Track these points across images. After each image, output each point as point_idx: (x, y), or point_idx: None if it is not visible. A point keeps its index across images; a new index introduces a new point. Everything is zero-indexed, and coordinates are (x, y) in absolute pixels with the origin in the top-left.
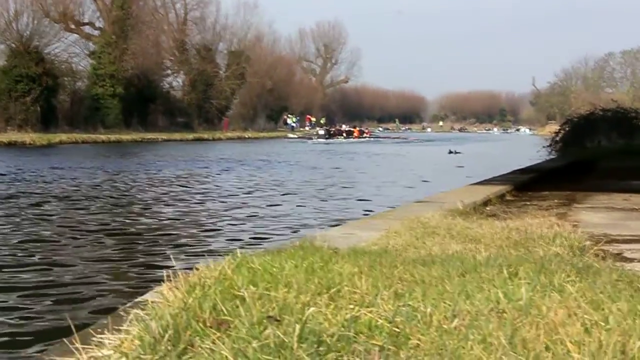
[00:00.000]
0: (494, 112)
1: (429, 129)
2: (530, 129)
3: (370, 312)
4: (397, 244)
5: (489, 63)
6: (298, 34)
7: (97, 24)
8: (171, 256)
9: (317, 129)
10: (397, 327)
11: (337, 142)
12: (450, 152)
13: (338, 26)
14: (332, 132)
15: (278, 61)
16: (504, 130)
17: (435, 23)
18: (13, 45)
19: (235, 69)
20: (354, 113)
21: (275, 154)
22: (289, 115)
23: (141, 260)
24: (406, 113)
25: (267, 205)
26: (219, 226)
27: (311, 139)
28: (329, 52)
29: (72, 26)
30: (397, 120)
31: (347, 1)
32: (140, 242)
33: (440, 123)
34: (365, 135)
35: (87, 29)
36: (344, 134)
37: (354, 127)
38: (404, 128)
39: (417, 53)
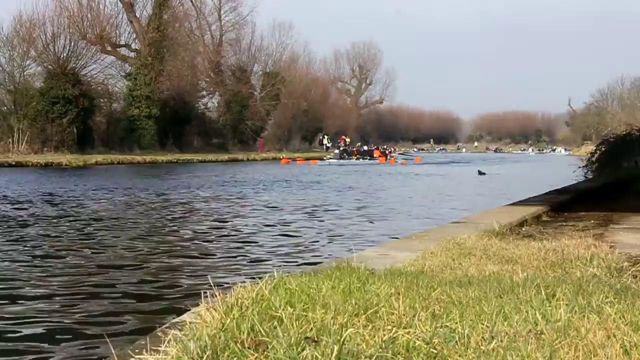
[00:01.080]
0: (529, 133)
1: (464, 150)
2: (566, 149)
3: (408, 333)
4: (433, 265)
5: (525, 83)
6: (333, 54)
7: (134, 46)
8: (209, 277)
9: (336, 150)
10: (435, 349)
11: (350, 164)
12: (480, 173)
13: (373, 47)
14: (348, 152)
15: (313, 82)
16: (539, 150)
17: (471, 42)
18: (50, 67)
19: (270, 90)
20: (389, 134)
21: (310, 174)
22: (324, 136)
23: (178, 280)
24: (441, 133)
25: (304, 225)
26: (256, 247)
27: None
28: (364, 72)
29: (109, 48)
30: (431, 140)
31: (382, 22)
32: (176, 262)
33: (476, 144)
34: (389, 155)
35: (123, 50)
36: (364, 155)
37: (376, 148)
38: (438, 148)
39: (453, 73)
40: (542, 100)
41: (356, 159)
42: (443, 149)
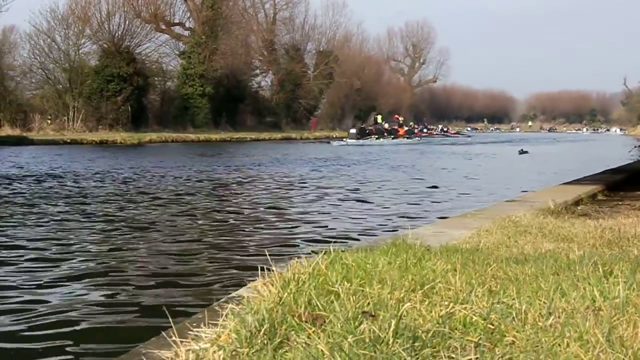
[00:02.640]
0: (584, 112)
1: (517, 129)
2: (621, 129)
3: (465, 308)
4: (488, 242)
5: (579, 63)
6: (386, 33)
7: (187, 24)
8: (266, 252)
9: (352, 129)
10: (492, 324)
11: (370, 144)
12: (522, 152)
13: (427, 26)
14: (367, 131)
15: (366, 61)
16: (593, 130)
17: (525, 21)
18: (105, 45)
19: (323, 68)
20: (443, 113)
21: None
22: (377, 115)
23: (234, 256)
24: (495, 113)
25: (357, 202)
26: (311, 223)
27: (342, 139)
28: (418, 51)
29: (163, 26)
30: (485, 120)
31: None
32: (232, 238)
33: (530, 123)
34: (416, 136)
35: (177, 29)
36: (383, 134)
37: (400, 126)
38: (492, 128)
39: (507, 52)
40: (597, 80)
41: (376, 139)
42: (497, 129)
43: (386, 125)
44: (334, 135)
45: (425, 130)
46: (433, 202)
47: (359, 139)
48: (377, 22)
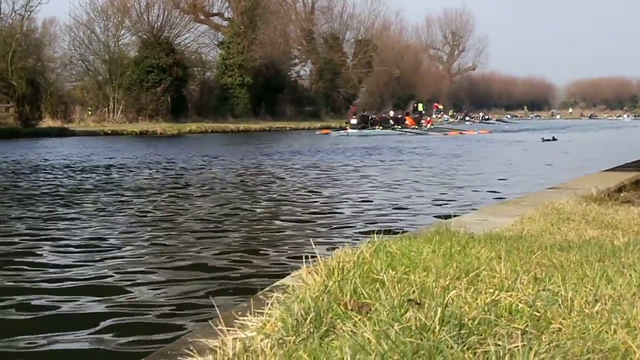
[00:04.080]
0: (624, 99)
1: (557, 116)
2: None
3: (510, 296)
4: (532, 230)
5: (620, 48)
6: (425, 21)
7: (226, 15)
8: (311, 241)
9: (352, 119)
10: (538, 311)
11: (373, 134)
12: (545, 139)
13: (465, 13)
14: (371, 119)
15: (405, 49)
16: (635, 116)
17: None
18: (144, 36)
19: (362, 57)
20: (482, 101)
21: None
22: (418, 103)
23: (277, 245)
24: (534, 100)
25: (398, 191)
26: (353, 211)
27: (344, 129)
28: (456, 39)
29: (202, 17)
30: (525, 107)
31: None
32: (275, 227)
33: (570, 110)
34: (425, 125)
35: (216, 19)
36: (389, 123)
37: (407, 114)
38: (532, 115)
39: (546, 39)
40: (638, 66)
41: (381, 129)
42: (537, 116)
43: (392, 113)
44: (339, 126)
45: (467, 118)
46: (474, 190)
47: (361, 128)
48: (416, 10)
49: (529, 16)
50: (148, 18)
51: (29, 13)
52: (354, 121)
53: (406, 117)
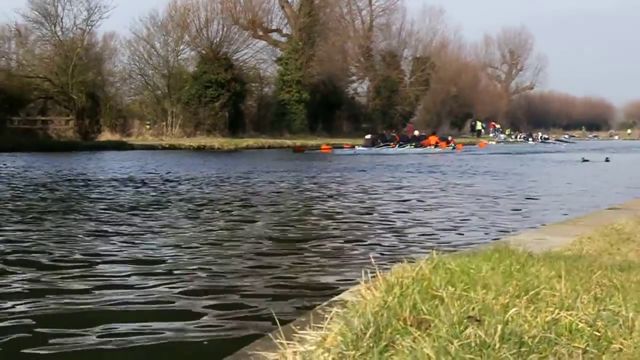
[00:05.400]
0: None
1: (616, 137)
2: None
3: (571, 315)
4: (591, 250)
5: None
6: (483, 40)
7: (285, 31)
8: (370, 256)
9: (367, 136)
10: (598, 331)
11: (384, 153)
12: (585, 160)
13: (524, 32)
14: (386, 138)
15: (463, 67)
16: None
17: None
18: (203, 51)
19: (420, 75)
20: (540, 120)
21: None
22: (476, 121)
23: (335, 260)
24: (593, 120)
25: (454, 209)
26: (410, 228)
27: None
28: (515, 58)
29: (260, 33)
30: (583, 127)
31: (534, 6)
32: (332, 243)
33: (629, 131)
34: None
35: (274, 35)
36: (408, 142)
37: (433, 133)
38: (590, 135)
39: (605, 59)
40: None
41: (399, 147)
42: (595, 136)
43: (416, 133)
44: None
45: (530, 139)
46: (531, 209)
47: (372, 146)
48: (474, 29)
49: (588, 36)
50: (207, 33)
51: (90, 27)
52: (367, 137)
53: (430, 137)
